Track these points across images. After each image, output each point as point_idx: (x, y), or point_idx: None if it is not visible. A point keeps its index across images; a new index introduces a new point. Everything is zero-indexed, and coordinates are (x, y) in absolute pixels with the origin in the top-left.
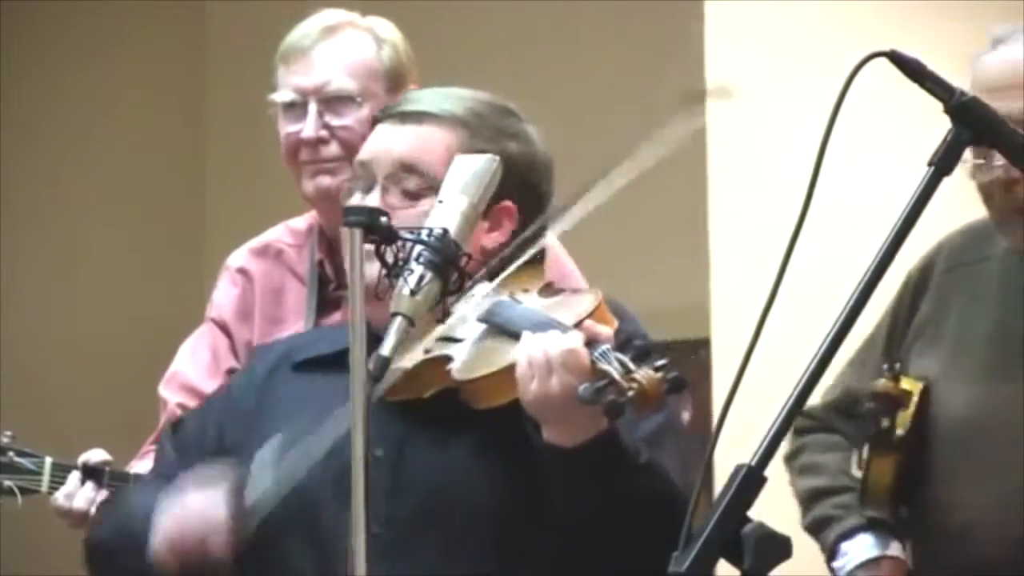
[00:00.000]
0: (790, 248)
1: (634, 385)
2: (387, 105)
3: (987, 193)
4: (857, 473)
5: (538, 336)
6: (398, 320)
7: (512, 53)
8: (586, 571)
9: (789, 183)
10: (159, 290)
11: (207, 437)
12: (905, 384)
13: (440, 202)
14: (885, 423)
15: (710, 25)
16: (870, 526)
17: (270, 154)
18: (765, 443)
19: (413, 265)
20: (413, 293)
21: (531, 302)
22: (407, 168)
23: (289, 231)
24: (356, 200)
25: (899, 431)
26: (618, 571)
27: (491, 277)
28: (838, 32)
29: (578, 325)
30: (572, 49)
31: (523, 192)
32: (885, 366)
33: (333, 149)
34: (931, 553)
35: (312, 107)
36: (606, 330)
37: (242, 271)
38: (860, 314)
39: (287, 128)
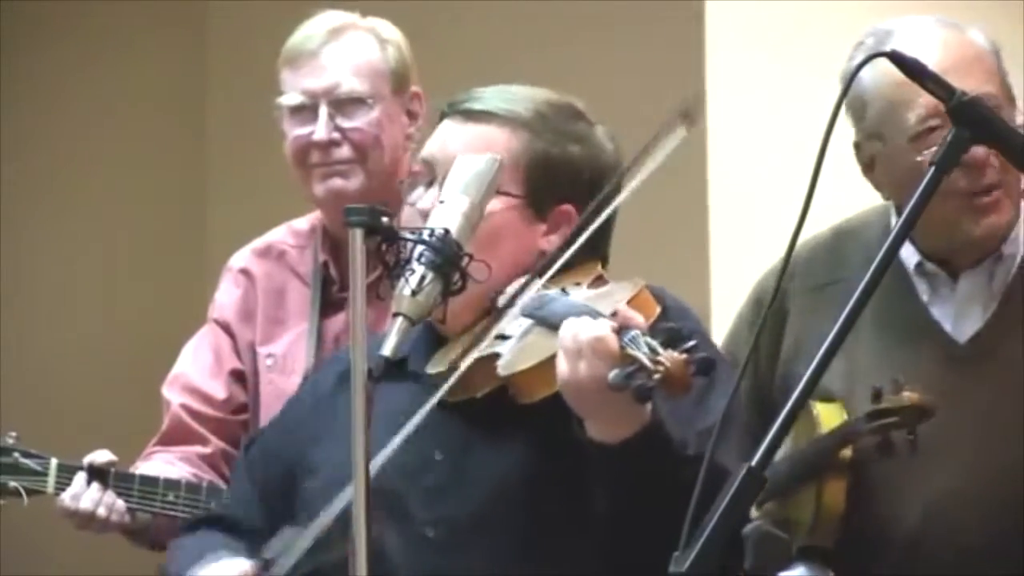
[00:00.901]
0: (790, 248)
1: (660, 368)
2: (452, 100)
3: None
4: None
5: (569, 324)
6: (399, 320)
7: (511, 53)
8: (638, 565)
9: (789, 183)
10: (159, 290)
11: (273, 454)
12: (834, 408)
13: (442, 202)
14: (910, 436)
15: (710, 25)
16: (802, 557)
17: (270, 154)
18: (765, 443)
19: (415, 265)
20: (414, 293)
21: (579, 294)
22: None
23: (291, 232)
24: (417, 196)
25: (847, 454)
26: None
27: (541, 274)
28: (838, 32)
29: (613, 313)
30: (572, 49)
31: (584, 195)
32: (879, 385)
33: (345, 151)
34: (874, 570)
35: (323, 109)
36: (638, 316)
37: (244, 272)
38: (860, 314)
39: (296, 131)
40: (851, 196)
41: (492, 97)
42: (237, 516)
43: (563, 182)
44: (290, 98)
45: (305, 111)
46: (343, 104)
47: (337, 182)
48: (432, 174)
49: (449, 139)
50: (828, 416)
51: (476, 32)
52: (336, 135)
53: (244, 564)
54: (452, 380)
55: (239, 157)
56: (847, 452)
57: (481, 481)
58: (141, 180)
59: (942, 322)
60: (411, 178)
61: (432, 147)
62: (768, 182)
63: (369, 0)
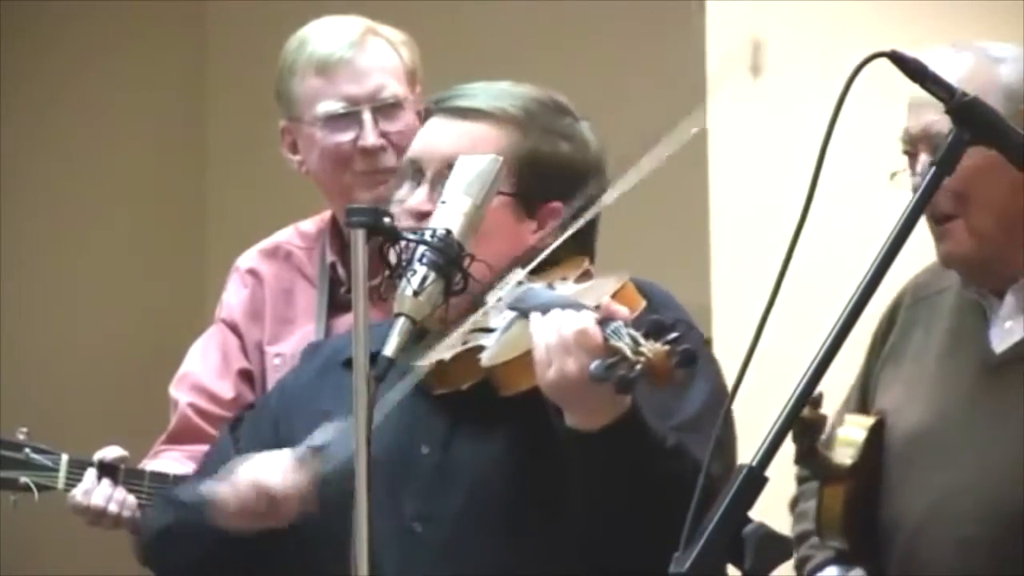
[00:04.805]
0: (791, 249)
1: (642, 359)
2: (439, 97)
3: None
4: None
5: (550, 317)
6: (401, 320)
7: (511, 53)
8: (612, 561)
9: (790, 183)
10: (160, 290)
11: (263, 433)
12: (858, 419)
13: (443, 202)
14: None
15: (711, 25)
16: (836, 559)
17: (270, 154)
18: (766, 443)
19: (416, 266)
20: (416, 294)
21: (564, 289)
22: None
23: (298, 233)
24: (404, 194)
25: (848, 461)
26: (644, 560)
27: (525, 265)
28: (838, 32)
29: (597, 306)
30: (572, 49)
31: (572, 193)
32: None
33: (390, 157)
34: (887, 565)
35: (367, 115)
36: (621, 308)
37: (252, 272)
38: (861, 315)
39: (335, 139)
40: (852, 196)
41: (480, 94)
42: None
43: (552, 179)
44: (329, 106)
45: (345, 118)
46: (386, 108)
47: (384, 189)
48: (419, 172)
49: (437, 137)
50: (849, 427)
51: (474, 31)
52: (383, 140)
53: (285, 454)
54: (423, 373)
55: (239, 156)
56: (848, 460)
57: (464, 477)
58: (141, 179)
59: (991, 336)
60: (396, 177)
61: (419, 145)
62: (769, 182)
63: (369, 0)
